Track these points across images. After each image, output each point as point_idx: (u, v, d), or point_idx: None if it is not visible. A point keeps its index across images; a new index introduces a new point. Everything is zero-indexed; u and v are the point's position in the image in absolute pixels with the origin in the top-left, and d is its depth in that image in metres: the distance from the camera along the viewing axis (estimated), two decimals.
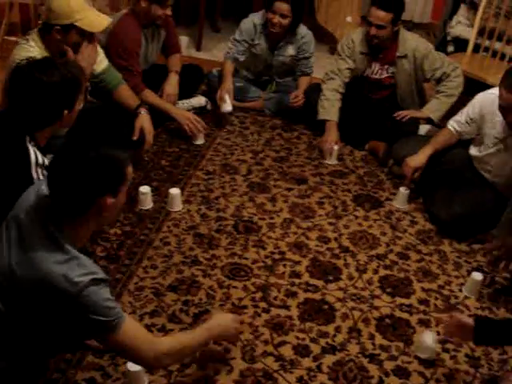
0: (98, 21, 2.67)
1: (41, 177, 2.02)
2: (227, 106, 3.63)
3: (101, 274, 1.62)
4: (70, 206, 1.63)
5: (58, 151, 1.67)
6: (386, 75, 3.64)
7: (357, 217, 3.02)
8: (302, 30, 3.80)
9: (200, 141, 3.52)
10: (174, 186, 2.99)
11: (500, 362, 2.25)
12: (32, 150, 2.03)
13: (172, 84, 3.60)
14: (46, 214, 1.64)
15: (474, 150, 3.03)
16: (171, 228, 2.80)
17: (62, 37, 2.61)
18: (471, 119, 3.00)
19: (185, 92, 3.74)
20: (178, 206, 2.92)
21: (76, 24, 2.58)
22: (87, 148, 1.62)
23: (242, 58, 3.82)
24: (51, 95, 2.03)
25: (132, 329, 1.69)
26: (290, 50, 3.83)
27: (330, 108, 3.56)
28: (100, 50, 3.00)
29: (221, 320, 2.01)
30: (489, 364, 2.25)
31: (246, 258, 2.66)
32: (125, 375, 2.03)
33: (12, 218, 1.69)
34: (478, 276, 2.56)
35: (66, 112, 2.08)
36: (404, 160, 3.12)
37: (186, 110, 3.69)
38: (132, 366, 1.97)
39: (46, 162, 2.05)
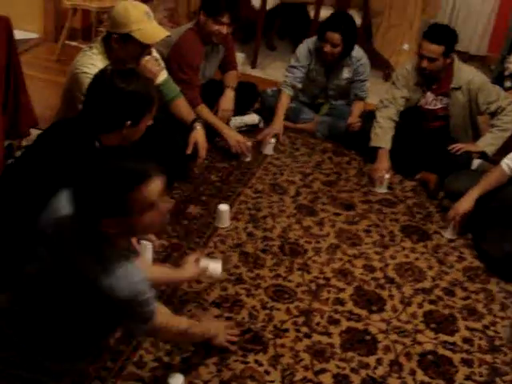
0: (155, 33, 2.68)
1: None
2: (269, 150, 3.66)
3: None
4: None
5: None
6: (440, 106, 3.61)
7: (404, 248, 2.99)
8: (358, 53, 3.81)
9: (248, 158, 3.54)
10: (223, 202, 3.01)
11: None
12: None
13: (228, 99, 3.64)
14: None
15: None
16: (217, 244, 2.82)
17: (120, 46, 2.64)
18: None
19: (239, 109, 3.76)
20: (225, 222, 2.94)
21: (132, 34, 2.60)
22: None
23: (299, 85, 3.84)
24: (119, 102, 2.06)
25: None
26: (346, 73, 3.84)
27: (383, 135, 3.55)
28: (161, 62, 3.05)
29: (215, 326, 2.24)
30: None
31: (290, 281, 2.66)
32: None
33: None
34: None
35: (128, 123, 2.08)
36: (453, 205, 3.11)
37: (238, 126, 3.74)
38: (173, 381, 1.98)
39: None
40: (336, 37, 3.59)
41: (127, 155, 1.63)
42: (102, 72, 2.13)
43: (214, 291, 2.53)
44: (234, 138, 3.46)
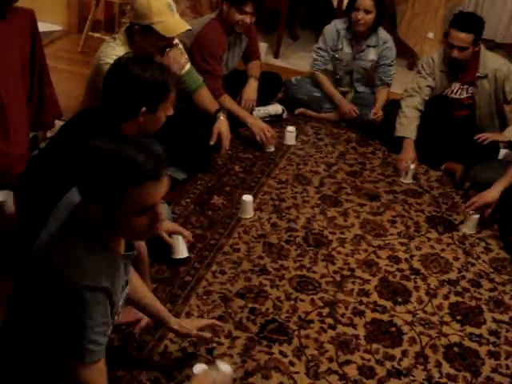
0: (176, 26, 2.67)
1: None
2: (291, 140, 3.65)
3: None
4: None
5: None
6: (466, 95, 3.56)
7: (429, 239, 2.96)
8: (385, 35, 3.82)
9: (271, 148, 3.53)
10: (246, 193, 3.01)
11: None
12: None
13: (251, 89, 3.63)
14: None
15: None
16: (241, 235, 2.82)
17: (142, 38, 2.64)
18: None
19: (262, 99, 3.75)
20: (249, 213, 2.93)
21: (153, 26, 2.60)
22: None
23: (328, 67, 3.90)
24: (133, 88, 2.05)
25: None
26: (372, 55, 3.82)
27: (408, 125, 3.51)
28: (184, 52, 3.05)
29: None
30: None
31: (314, 272, 2.65)
32: (189, 379, 2.04)
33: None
34: None
35: (143, 110, 2.06)
36: (479, 193, 3.06)
37: (262, 116, 3.73)
38: (199, 371, 1.98)
39: None
40: (368, 2, 3.62)
41: (142, 147, 1.49)
42: (119, 59, 2.14)
43: (239, 282, 2.53)
44: (258, 126, 3.45)
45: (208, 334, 2.11)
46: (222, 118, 3.15)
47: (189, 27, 2.74)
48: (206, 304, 2.40)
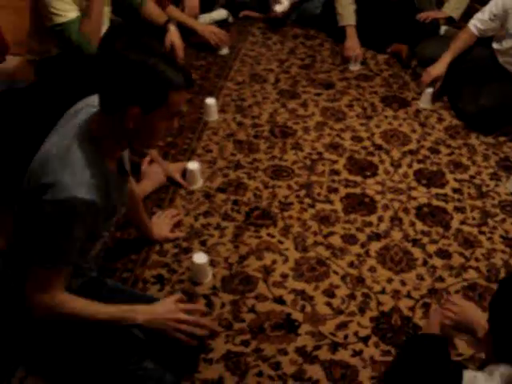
0: None
1: None
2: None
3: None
4: (105, 100, 1.54)
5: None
6: None
7: (386, 117, 3.13)
8: None
9: (225, 51, 3.59)
10: (208, 97, 3.09)
11: None
12: None
13: None
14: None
15: (497, 45, 3.11)
16: (211, 136, 2.92)
17: None
18: (495, 15, 3.05)
19: (204, 5, 3.75)
20: (214, 115, 3.02)
21: None
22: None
23: None
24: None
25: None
26: None
27: (346, 13, 3.59)
28: None
29: (156, 309, 1.75)
30: None
31: (285, 160, 2.79)
32: (190, 268, 2.19)
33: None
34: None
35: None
36: (426, 69, 3.22)
37: (207, 23, 3.74)
38: (198, 258, 2.13)
39: None
40: None
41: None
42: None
43: (217, 178, 2.65)
44: (208, 30, 3.50)
45: (179, 234, 2.35)
46: (172, 28, 3.16)
47: None
48: (191, 202, 2.52)
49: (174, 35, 3.16)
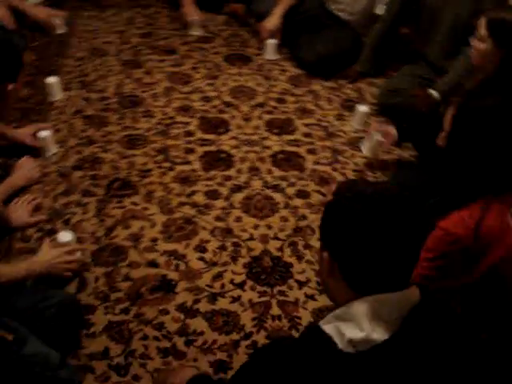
0: None
1: None
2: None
3: None
4: None
5: None
6: None
7: (231, 74, 3.20)
8: None
9: (62, 30, 3.48)
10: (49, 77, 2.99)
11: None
12: None
13: None
14: None
15: None
16: (58, 116, 2.84)
17: None
18: None
19: None
20: (58, 94, 2.94)
21: None
22: None
23: None
24: None
25: None
26: None
27: None
28: None
29: (43, 256, 1.91)
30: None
31: (138, 129, 2.78)
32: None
33: None
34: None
35: None
36: (260, 24, 3.32)
37: (39, 2, 3.61)
38: (63, 237, 2.06)
39: None
40: None
41: None
42: None
43: (71, 157, 2.58)
44: (42, 12, 3.38)
45: (41, 217, 2.29)
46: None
47: None
48: (47, 185, 2.45)
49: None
